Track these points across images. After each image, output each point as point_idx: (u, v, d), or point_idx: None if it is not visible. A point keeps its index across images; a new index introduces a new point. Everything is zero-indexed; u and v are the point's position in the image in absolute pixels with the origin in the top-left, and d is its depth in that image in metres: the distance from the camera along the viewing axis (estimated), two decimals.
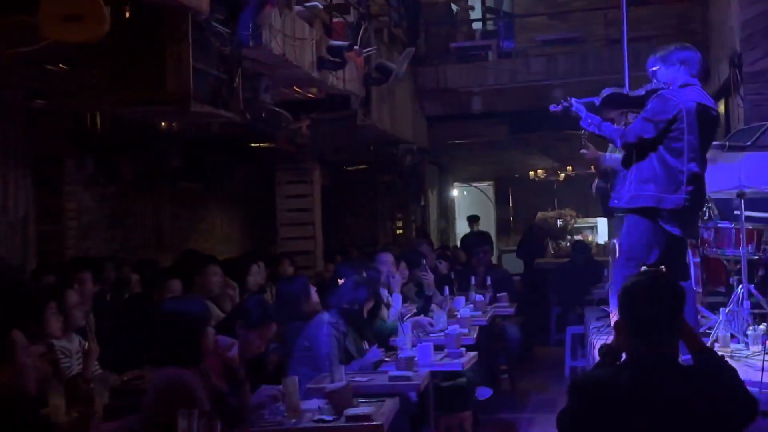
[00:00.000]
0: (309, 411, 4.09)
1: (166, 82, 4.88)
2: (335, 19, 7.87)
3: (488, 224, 15.93)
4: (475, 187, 16.90)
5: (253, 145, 9.23)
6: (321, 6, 7.43)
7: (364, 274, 6.08)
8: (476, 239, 12.85)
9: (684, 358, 2.89)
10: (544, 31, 10.80)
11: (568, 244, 12.41)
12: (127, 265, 8.17)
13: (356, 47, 7.24)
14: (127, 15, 4.88)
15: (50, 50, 5.25)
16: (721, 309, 5.42)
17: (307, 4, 7.10)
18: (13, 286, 5.42)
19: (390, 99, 9.30)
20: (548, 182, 15.32)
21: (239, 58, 5.51)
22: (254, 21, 5.45)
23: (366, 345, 5.72)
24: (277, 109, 6.91)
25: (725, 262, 5.99)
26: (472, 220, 14.19)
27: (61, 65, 6.11)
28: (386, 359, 5.33)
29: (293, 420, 3.99)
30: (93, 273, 6.92)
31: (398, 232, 12.70)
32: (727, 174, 6.12)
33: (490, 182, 16.91)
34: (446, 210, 15.55)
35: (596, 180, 6.15)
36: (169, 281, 6.24)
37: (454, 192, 16.32)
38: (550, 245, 12.62)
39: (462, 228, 15.47)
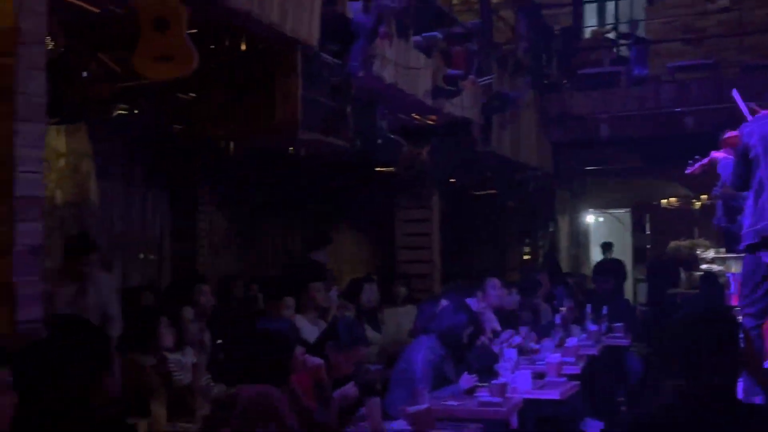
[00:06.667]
0: None
1: (275, 112, 5.15)
2: (456, 48, 8.01)
3: (624, 252, 15.52)
4: (610, 214, 16.54)
5: (377, 170, 9.44)
6: (440, 36, 7.59)
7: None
8: (609, 267, 12.59)
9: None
10: (677, 58, 10.51)
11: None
12: (255, 283, 8.52)
13: (471, 75, 7.34)
14: (243, 47, 5.21)
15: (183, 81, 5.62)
16: None
17: (425, 34, 7.28)
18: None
19: (512, 125, 9.33)
20: (688, 210, 14.79)
21: (349, 87, 5.73)
22: (364, 52, 5.66)
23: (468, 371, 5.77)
24: (393, 136, 7.09)
25: None
26: (606, 247, 13.89)
27: (191, 94, 6.52)
28: (481, 385, 5.33)
29: None
30: (217, 289, 7.34)
31: (525, 257, 12.60)
32: None
33: (627, 209, 16.50)
34: (578, 237, 15.30)
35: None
36: (285, 298, 6.53)
37: (589, 219, 16.01)
38: (682, 275, 12.19)
39: (597, 255, 15.17)
